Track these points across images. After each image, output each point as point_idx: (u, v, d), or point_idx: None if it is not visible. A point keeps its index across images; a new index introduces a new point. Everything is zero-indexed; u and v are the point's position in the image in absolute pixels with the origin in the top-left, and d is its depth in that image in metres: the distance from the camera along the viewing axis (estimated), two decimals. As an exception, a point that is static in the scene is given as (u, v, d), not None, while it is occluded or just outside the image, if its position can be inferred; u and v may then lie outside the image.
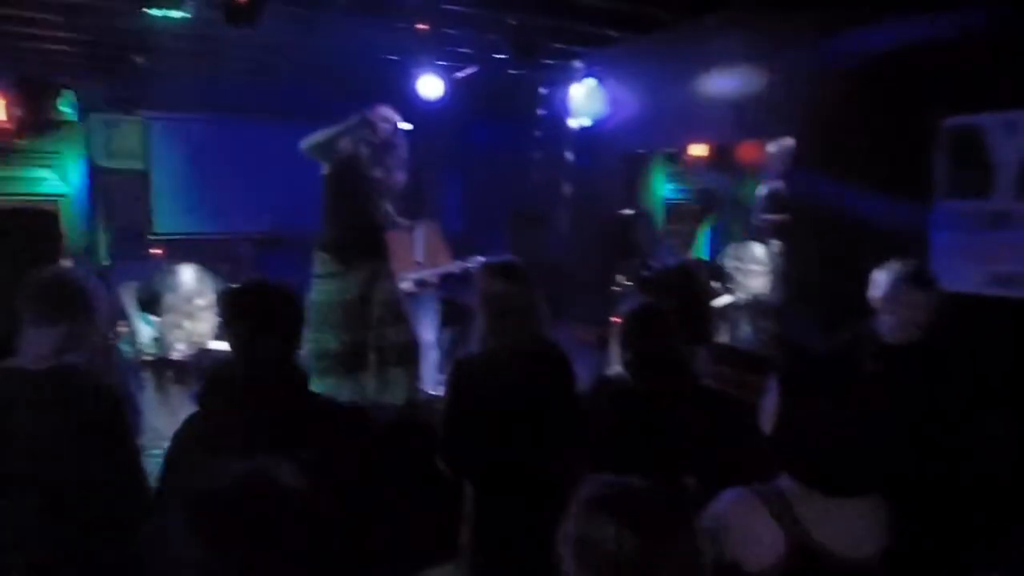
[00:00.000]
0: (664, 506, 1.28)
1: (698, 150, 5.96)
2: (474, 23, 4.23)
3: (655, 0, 4.05)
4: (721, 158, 5.82)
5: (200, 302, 4.90)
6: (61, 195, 6.22)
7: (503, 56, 4.48)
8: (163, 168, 7.19)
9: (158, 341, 4.83)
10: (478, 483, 2.69)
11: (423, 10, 3.96)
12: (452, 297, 6.00)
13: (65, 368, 2.02)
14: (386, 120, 3.97)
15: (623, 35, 4.68)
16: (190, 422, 1.92)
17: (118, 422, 2.08)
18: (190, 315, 4.85)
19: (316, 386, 3.85)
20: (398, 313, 4.15)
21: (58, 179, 6.24)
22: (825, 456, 1.49)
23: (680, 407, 2.66)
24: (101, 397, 2.07)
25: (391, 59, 5.34)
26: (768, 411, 1.58)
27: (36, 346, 2.02)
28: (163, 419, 5.04)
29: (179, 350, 4.84)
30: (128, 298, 4.85)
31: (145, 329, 4.79)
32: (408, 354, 4.14)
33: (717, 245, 5.88)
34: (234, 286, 2.01)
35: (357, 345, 3.93)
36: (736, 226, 5.88)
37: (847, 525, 1.47)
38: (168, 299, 4.89)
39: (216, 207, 7.25)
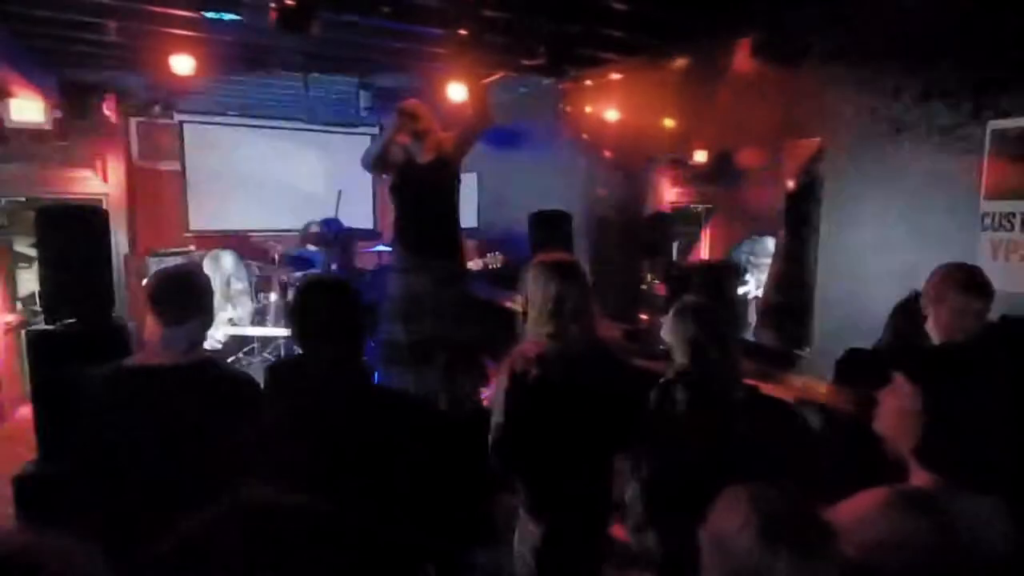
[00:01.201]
0: (810, 522, 1.17)
1: (702, 156, 5.91)
2: (508, 29, 4.10)
3: (685, 10, 3.91)
4: (724, 163, 5.76)
5: (238, 286, 4.86)
6: (103, 194, 6.13)
7: (535, 62, 4.35)
8: (199, 169, 7.13)
9: None
10: (533, 481, 2.59)
11: (460, 16, 3.83)
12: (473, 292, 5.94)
13: (205, 361, 1.99)
14: (421, 107, 3.86)
15: (651, 43, 4.56)
16: (255, 421, 1.84)
17: (259, 408, 2.01)
18: (229, 298, 4.80)
19: (383, 375, 3.89)
20: (464, 313, 4.06)
21: (99, 179, 6.15)
22: (979, 453, 1.39)
23: (733, 401, 2.59)
24: (244, 385, 2.02)
25: (421, 64, 5.22)
26: (894, 410, 1.48)
27: (172, 342, 1.95)
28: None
29: (215, 339, 4.77)
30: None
31: None
32: (472, 353, 4.05)
33: (720, 246, 5.83)
34: (304, 283, 1.95)
35: (422, 339, 3.83)
36: (737, 228, 5.81)
37: (991, 521, 1.38)
38: (212, 282, 4.81)
39: (246, 206, 7.18)
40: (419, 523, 1.94)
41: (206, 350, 2.15)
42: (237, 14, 3.20)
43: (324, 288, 1.95)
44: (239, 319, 4.91)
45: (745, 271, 5.12)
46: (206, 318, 2.05)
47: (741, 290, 5.10)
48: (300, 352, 1.92)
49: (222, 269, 4.83)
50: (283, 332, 5.29)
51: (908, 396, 1.44)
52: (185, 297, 1.98)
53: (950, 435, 1.40)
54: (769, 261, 5.15)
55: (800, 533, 1.13)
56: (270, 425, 1.81)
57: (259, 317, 5.23)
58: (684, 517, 2.54)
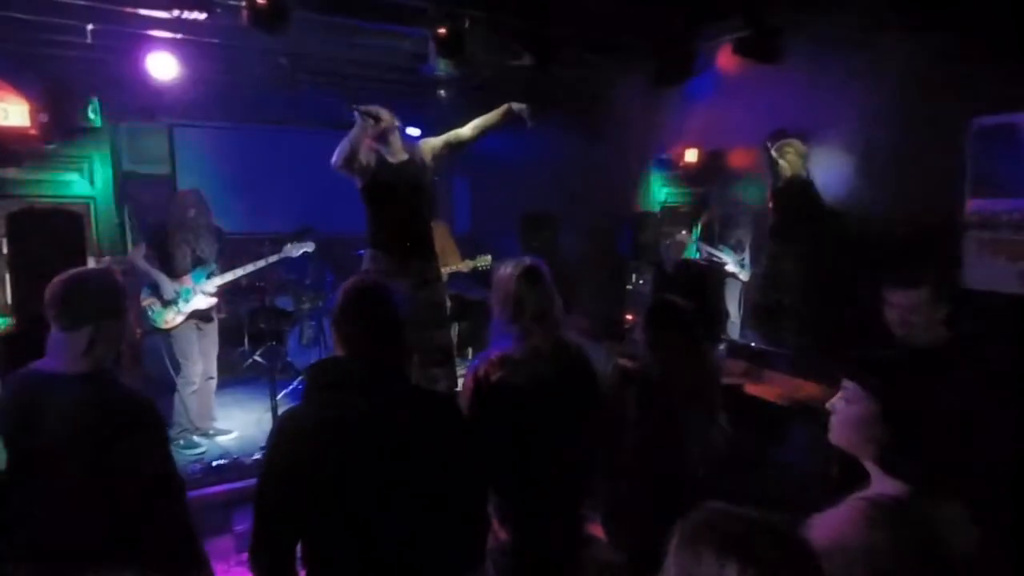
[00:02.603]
0: (780, 540, 1.06)
1: (691, 156, 5.86)
2: (491, 30, 4.01)
3: (667, 9, 3.83)
4: (713, 164, 5.70)
5: (201, 220, 4.88)
6: (89, 197, 6.04)
7: (520, 63, 4.26)
8: (187, 172, 7.04)
9: (179, 293, 4.73)
10: (503, 486, 2.51)
11: (444, 16, 3.74)
12: (460, 293, 5.87)
13: (93, 373, 1.87)
14: (381, 109, 3.74)
15: (634, 43, 4.47)
16: (292, 417, 1.78)
17: (147, 427, 1.92)
18: (194, 231, 4.81)
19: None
20: (442, 316, 3.98)
21: (86, 182, 6.06)
22: (942, 458, 1.33)
23: (701, 400, 2.54)
24: (129, 403, 1.91)
25: (408, 67, 5.14)
26: (849, 420, 1.41)
27: (62, 349, 1.86)
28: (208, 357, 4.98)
29: (203, 295, 4.80)
30: (139, 259, 4.75)
31: (166, 280, 4.67)
32: (448, 355, 3.97)
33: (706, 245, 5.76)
34: (348, 288, 1.86)
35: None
36: (726, 228, 5.75)
37: (963, 525, 1.33)
38: (174, 218, 4.87)
39: (237, 209, 7.08)
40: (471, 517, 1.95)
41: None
42: (211, 12, 3.10)
43: (367, 292, 1.87)
44: (205, 254, 4.93)
45: (718, 240, 5.07)
46: (103, 324, 1.91)
47: (714, 251, 5.07)
48: (341, 354, 1.86)
49: (186, 207, 4.88)
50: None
51: (863, 405, 1.38)
52: (77, 302, 1.88)
53: (912, 442, 1.34)
54: (741, 211, 5.11)
55: (784, 563, 1.02)
56: (312, 427, 1.74)
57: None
58: (644, 518, 2.49)
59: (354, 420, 1.72)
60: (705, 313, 4.03)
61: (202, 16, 3.03)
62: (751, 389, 3.66)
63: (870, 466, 1.42)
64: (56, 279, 1.90)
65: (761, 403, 3.51)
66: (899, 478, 1.36)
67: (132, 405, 1.91)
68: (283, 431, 1.75)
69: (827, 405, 1.51)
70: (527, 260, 2.45)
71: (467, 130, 3.99)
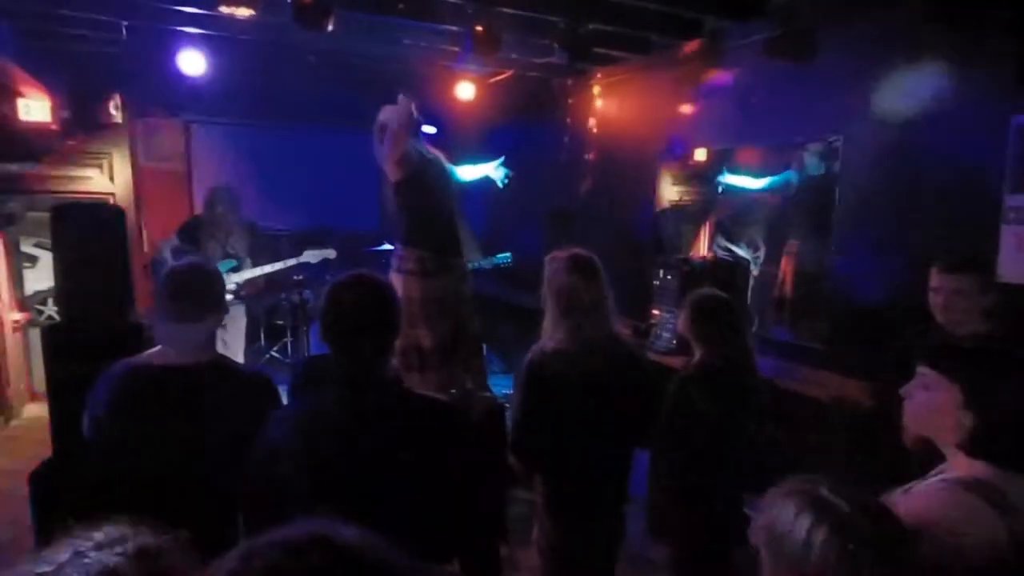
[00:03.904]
0: (865, 507, 1.15)
1: (700, 155, 5.92)
2: (526, 27, 4.10)
3: (702, 6, 3.92)
4: (723, 162, 5.78)
5: (231, 216, 5.02)
6: (109, 194, 6.11)
7: (546, 60, 4.35)
8: (202, 168, 7.10)
9: None
10: (551, 477, 2.57)
11: (477, 14, 3.82)
12: (475, 290, 5.93)
13: (221, 361, 1.93)
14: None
15: (662, 40, 4.56)
16: (281, 420, 1.73)
17: (275, 402, 1.98)
18: (222, 226, 4.96)
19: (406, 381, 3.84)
20: (475, 307, 4.09)
21: (106, 178, 6.13)
22: None
23: (748, 389, 2.60)
24: (260, 387, 1.96)
25: (429, 63, 5.22)
26: (928, 405, 1.47)
27: (183, 341, 1.90)
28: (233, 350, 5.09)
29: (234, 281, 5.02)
30: (168, 252, 4.90)
31: None
32: (480, 345, 4.09)
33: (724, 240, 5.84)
34: (335, 283, 1.76)
35: (449, 338, 3.81)
36: (737, 225, 5.84)
37: None
38: (205, 213, 5.16)
39: (252, 205, 7.12)
40: (446, 521, 1.86)
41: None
42: (252, 9, 3.18)
43: (359, 286, 1.75)
44: (235, 248, 5.09)
45: (731, 237, 5.20)
46: (221, 315, 1.99)
47: (732, 246, 5.20)
48: (332, 351, 1.77)
49: (216, 203, 5.07)
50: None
51: (945, 392, 1.42)
52: (202, 293, 1.92)
53: (1000, 425, 1.38)
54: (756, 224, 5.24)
55: (888, 545, 1.10)
56: (290, 428, 1.70)
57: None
58: (703, 514, 2.55)
59: (331, 420, 1.67)
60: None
61: (249, 13, 3.10)
62: (782, 384, 3.75)
63: (951, 451, 1.45)
64: (173, 273, 1.95)
65: (794, 397, 3.60)
66: (988, 460, 1.39)
67: (263, 384, 1.96)
68: (265, 433, 1.70)
69: (901, 391, 1.53)
70: (582, 253, 2.47)
71: (459, 172, 4.28)
